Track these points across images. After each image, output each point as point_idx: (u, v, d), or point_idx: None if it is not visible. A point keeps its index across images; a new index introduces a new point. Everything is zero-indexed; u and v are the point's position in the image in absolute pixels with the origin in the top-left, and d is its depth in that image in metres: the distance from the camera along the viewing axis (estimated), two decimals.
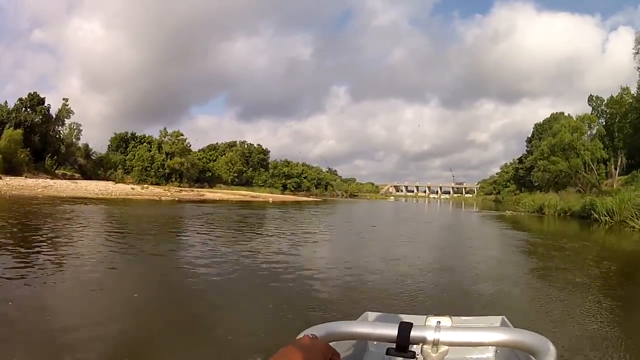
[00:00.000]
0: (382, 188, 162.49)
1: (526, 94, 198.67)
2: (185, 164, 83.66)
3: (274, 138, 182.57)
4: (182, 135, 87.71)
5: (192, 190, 63.02)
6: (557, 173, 55.34)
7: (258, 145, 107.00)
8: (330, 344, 0.98)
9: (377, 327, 1.14)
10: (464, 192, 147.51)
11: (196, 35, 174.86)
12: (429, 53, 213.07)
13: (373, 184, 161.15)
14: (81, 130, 73.69)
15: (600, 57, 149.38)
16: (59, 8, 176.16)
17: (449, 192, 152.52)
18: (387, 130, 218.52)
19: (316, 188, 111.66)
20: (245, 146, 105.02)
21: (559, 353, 0.92)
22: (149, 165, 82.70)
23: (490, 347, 1.83)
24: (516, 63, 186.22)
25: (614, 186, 52.43)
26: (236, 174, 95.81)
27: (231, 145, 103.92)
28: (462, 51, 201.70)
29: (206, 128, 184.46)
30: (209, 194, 57.74)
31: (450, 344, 1.07)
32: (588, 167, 54.54)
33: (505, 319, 2.03)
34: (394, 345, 1.07)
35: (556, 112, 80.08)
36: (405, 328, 1.06)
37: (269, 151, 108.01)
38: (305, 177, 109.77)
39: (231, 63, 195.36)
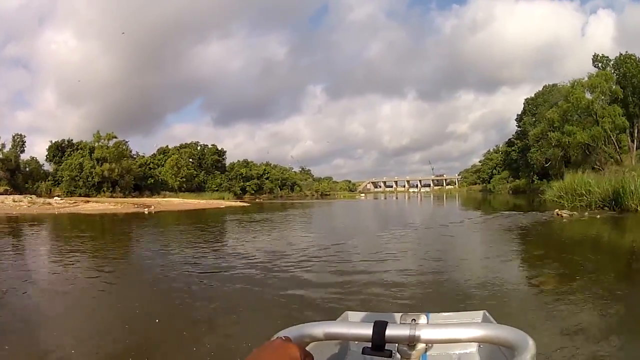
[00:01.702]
0: (360, 185, 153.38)
1: (505, 82, 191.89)
2: (116, 170, 68.70)
3: (251, 142, 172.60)
4: (116, 137, 73.89)
5: (81, 201, 47.43)
6: (574, 147, 40.57)
7: (212, 145, 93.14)
8: (311, 344, 0.99)
9: (351, 327, 1.10)
10: (444, 184, 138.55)
11: (168, 41, 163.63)
12: (407, 46, 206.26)
13: (350, 182, 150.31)
14: (25, 142, 68.75)
15: (580, 42, 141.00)
16: (30, 20, 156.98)
17: (429, 185, 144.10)
18: (366, 127, 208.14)
19: (281, 189, 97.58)
20: (198, 147, 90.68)
21: (538, 349, 0.92)
22: (78, 174, 69.00)
23: (471, 342, 1.63)
24: (495, 52, 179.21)
25: (632, 162, 38.75)
26: (184, 179, 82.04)
27: (183, 147, 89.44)
28: (440, 42, 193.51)
29: (183, 136, 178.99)
30: (95, 205, 41.85)
31: (427, 342, 1.04)
32: (608, 138, 40.21)
33: (487, 314, 1.93)
34: (369, 345, 1.04)
35: (549, 84, 67.30)
36: (380, 327, 1.03)
37: (225, 151, 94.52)
38: (267, 178, 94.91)
39: (205, 67, 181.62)
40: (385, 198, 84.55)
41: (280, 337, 0.97)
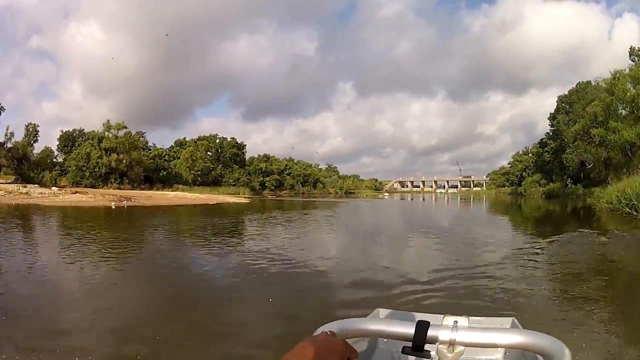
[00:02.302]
0: (386, 184, 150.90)
1: (533, 84, 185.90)
2: (124, 161, 66.73)
3: (280, 137, 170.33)
4: (126, 127, 71.50)
5: (71, 192, 45.57)
6: (619, 146, 36.44)
7: (232, 138, 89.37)
8: (350, 340, 0.97)
9: (393, 325, 1.08)
10: (471, 186, 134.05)
11: (197, 35, 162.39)
12: (435, 44, 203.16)
13: (376, 180, 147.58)
14: (38, 131, 66.79)
15: (606, 44, 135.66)
16: (55, 12, 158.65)
17: (456, 186, 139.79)
18: (394, 125, 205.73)
19: (303, 186, 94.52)
20: (217, 140, 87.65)
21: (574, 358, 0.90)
22: (85, 164, 67.05)
23: (499, 348, 1.74)
24: (523, 53, 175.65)
25: None
26: (199, 172, 78.63)
27: (201, 140, 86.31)
28: (468, 42, 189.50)
29: (211, 130, 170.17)
30: (76, 197, 39.50)
31: (467, 345, 1.02)
32: None
33: (516, 321, 1.94)
34: (409, 344, 1.03)
35: (582, 81, 62.74)
36: (423, 327, 1.02)
37: (245, 145, 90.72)
38: (288, 174, 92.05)
39: (234, 62, 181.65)
40: (412, 199, 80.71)
41: (325, 331, 0.96)
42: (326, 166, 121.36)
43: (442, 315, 1.06)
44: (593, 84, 52.75)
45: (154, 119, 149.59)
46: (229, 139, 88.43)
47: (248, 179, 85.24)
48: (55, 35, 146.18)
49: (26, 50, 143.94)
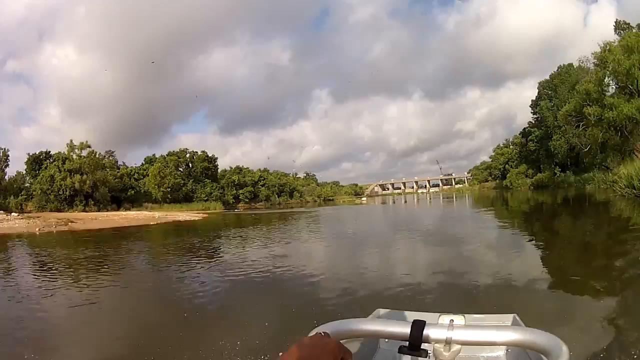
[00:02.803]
0: (367, 188, 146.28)
1: (510, 77, 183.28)
2: (88, 181, 61.38)
3: (259, 149, 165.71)
4: (90, 146, 66.22)
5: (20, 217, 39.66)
6: (618, 124, 32.31)
7: (202, 152, 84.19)
8: (346, 340, 0.97)
9: (389, 324, 1.08)
10: (453, 184, 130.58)
11: (171, 51, 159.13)
12: (410, 45, 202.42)
13: (356, 185, 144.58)
14: (8, 156, 64.86)
15: (582, 31, 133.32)
16: (30, 35, 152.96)
17: (437, 185, 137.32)
18: (372, 129, 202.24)
19: (279, 196, 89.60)
20: (187, 155, 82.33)
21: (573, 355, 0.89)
22: (49, 187, 61.57)
23: (501, 346, 1.71)
24: (499, 46, 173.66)
25: None
26: (169, 189, 73.71)
27: (170, 155, 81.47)
28: (443, 39, 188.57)
29: (190, 146, 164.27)
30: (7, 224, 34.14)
31: (463, 343, 1.02)
32: None
33: (517, 317, 1.90)
34: (406, 344, 1.02)
35: (564, 64, 59.06)
36: (418, 326, 1.01)
37: (216, 158, 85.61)
38: (263, 185, 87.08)
39: (209, 76, 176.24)
40: (394, 201, 76.69)
41: (319, 332, 0.95)
42: (305, 175, 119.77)
43: (439, 314, 1.09)
44: (576, 65, 48.94)
45: (132, 138, 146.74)
46: (199, 153, 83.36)
47: (221, 193, 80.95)
48: (31, 58, 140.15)
49: (2, 75, 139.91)
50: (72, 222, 35.15)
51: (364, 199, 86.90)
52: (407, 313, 1.85)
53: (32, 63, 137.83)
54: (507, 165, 73.96)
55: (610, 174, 30.80)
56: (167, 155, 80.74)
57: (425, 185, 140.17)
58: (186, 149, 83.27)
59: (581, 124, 37.85)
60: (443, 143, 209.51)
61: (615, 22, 41.68)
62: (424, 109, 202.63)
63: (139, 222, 36.42)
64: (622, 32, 39.57)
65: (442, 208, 39.08)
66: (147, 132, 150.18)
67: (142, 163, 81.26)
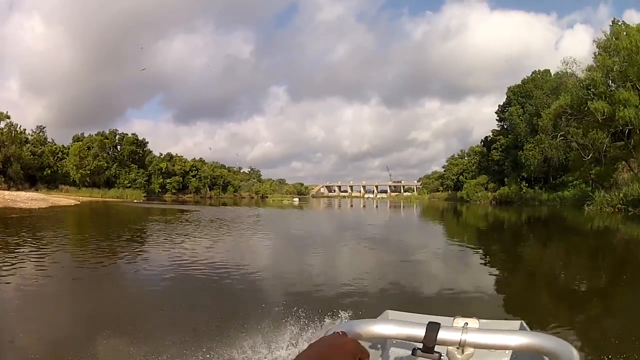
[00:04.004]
0: (313, 189, 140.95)
1: (472, 92, 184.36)
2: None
3: (211, 141, 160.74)
4: (9, 117, 59.05)
5: None
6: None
7: (132, 134, 73.80)
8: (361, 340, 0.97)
9: (404, 326, 1.05)
10: (402, 191, 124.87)
11: (132, 35, 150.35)
12: (373, 50, 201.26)
13: (302, 184, 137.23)
14: None
15: (552, 54, 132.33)
16: (1, 3, 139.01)
17: (386, 191, 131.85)
18: (326, 131, 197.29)
19: (211, 189, 78.99)
20: (116, 137, 71.43)
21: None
22: None
23: (507, 351, 1.72)
24: (463, 60, 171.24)
25: None
26: (90, 172, 64.75)
27: (100, 135, 70.48)
28: (407, 48, 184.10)
29: (143, 132, 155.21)
30: None
31: (476, 346, 1.00)
32: None
33: (524, 323, 1.90)
34: (420, 346, 1.00)
35: (538, 70, 53.09)
36: (433, 328, 0.99)
37: (147, 142, 75.73)
38: (194, 176, 76.16)
39: (167, 63, 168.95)
40: (340, 205, 68.94)
41: (337, 331, 0.93)
42: (249, 170, 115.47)
43: (453, 317, 1.06)
44: (556, 71, 41.69)
45: (87, 119, 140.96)
46: (129, 135, 72.80)
47: (146, 181, 70.75)
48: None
49: None
50: None
51: (296, 199, 76.63)
52: (417, 315, 1.84)
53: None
54: (461, 177, 66.31)
55: (616, 193, 22.67)
56: (97, 135, 70.11)
57: (373, 191, 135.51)
58: (116, 130, 72.89)
59: (571, 127, 29.66)
60: (396, 150, 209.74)
61: (613, 21, 33.95)
62: (380, 115, 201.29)
63: None
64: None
65: (389, 220, 30.16)
66: (102, 115, 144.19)
67: (71, 142, 70.24)
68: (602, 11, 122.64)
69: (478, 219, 27.71)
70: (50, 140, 68.38)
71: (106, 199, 55.33)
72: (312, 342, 0.82)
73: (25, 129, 63.95)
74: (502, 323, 1.96)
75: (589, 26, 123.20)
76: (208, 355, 3.99)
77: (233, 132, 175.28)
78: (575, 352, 0.88)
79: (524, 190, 44.35)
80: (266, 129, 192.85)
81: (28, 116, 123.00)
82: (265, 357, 4.00)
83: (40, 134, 67.44)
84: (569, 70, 35.47)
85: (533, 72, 52.19)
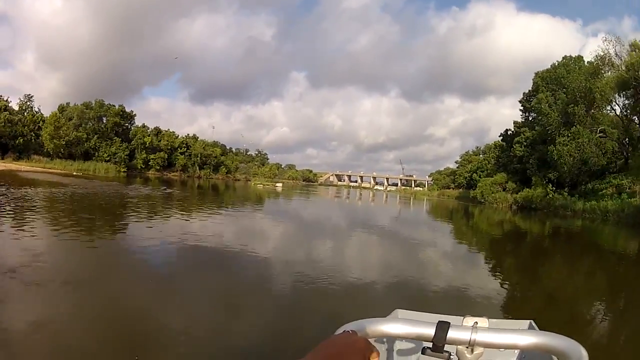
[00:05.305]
0: (322, 176, 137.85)
1: (492, 92, 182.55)
2: None
3: (227, 123, 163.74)
4: None
5: None
6: None
7: (119, 106, 65.87)
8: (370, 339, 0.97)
9: (413, 325, 1.03)
10: (413, 185, 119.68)
11: (154, 10, 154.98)
12: (397, 42, 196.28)
13: (310, 171, 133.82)
14: None
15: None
16: None
17: (396, 185, 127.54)
18: (343, 120, 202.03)
19: (201, 168, 71.51)
20: (103, 108, 63.89)
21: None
22: None
23: (516, 350, 1.68)
24: (487, 60, 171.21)
25: None
26: (65, 143, 58.49)
27: (85, 105, 63.32)
28: (431, 43, 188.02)
29: (158, 110, 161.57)
30: None
31: (486, 346, 0.99)
32: None
33: (533, 323, 1.85)
34: (429, 345, 0.99)
35: (570, 55, 43.48)
36: (443, 327, 0.98)
37: (134, 115, 67.83)
38: (182, 153, 68.70)
39: (188, 42, 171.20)
40: (349, 195, 63.46)
41: (347, 330, 0.91)
42: (256, 152, 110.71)
43: (462, 317, 1.03)
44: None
45: (102, 95, 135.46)
46: (116, 107, 65.06)
47: (128, 155, 63.47)
48: None
49: None
50: None
51: (279, 184, 67.75)
52: (427, 314, 1.81)
53: (17, 3, 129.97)
54: (474, 175, 57.20)
55: None
56: (82, 105, 63.09)
57: (383, 183, 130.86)
58: (102, 100, 64.98)
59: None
60: (411, 145, 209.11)
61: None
62: (399, 108, 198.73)
63: None
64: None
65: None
66: (119, 91, 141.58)
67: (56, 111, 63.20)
68: (626, 23, 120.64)
69: (498, 235, 19.52)
70: (37, 110, 62.30)
71: (50, 170, 48.22)
72: (322, 341, 0.78)
73: (7, 98, 58.68)
74: (512, 322, 1.92)
75: (612, 36, 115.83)
76: None
77: (250, 115, 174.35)
78: (584, 352, 0.87)
79: (550, 195, 35.39)
80: (284, 114, 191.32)
81: (43, 89, 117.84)
82: None
83: (28, 102, 61.85)
84: (611, 51, 30.32)
85: (564, 57, 42.95)
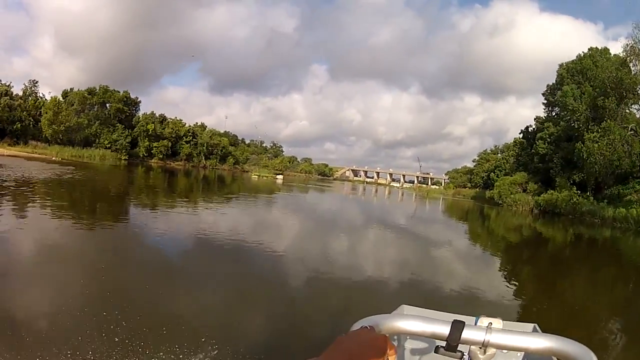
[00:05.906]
0: (338, 171, 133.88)
1: (512, 92, 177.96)
2: None
3: (246, 114, 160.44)
4: None
5: None
6: None
7: (124, 92, 63.65)
8: None
9: (430, 323, 1.02)
10: (429, 183, 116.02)
11: None
12: (418, 37, 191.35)
13: (326, 165, 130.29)
14: None
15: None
16: None
17: (412, 182, 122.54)
18: (363, 115, 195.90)
19: (207, 158, 68.78)
20: (106, 94, 61.64)
21: None
22: None
23: (519, 353, 1.62)
24: (508, 59, 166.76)
25: None
26: (64, 129, 56.52)
27: (89, 91, 61.33)
28: (453, 40, 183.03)
29: (177, 100, 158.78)
30: None
31: (499, 347, 0.98)
32: None
33: (537, 327, 1.82)
34: (443, 343, 0.98)
35: (596, 47, 40.44)
36: (458, 327, 0.96)
37: (139, 102, 65.61)
38: (188, 142, 66.07)
39: (208, 31, 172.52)
40: (364, 190, 62.30)
41: (364, 325, 0.91)
42: (271, 144, 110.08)
43: (476, 317, 1.02)
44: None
45: (121, 83, 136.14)
46: (121, 92, 62.75)
47: (130, 143, 61.05)
48: None
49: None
50: None
51: (279, 177, 64.58)
52: (433, 312, 1.77)
53: None
54: (492, 174, 52.85)
55: None
56: (86, 91, 61.14)
57: (400, 180, 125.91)
58: (107, 86, 62.66)
59: None
60: (429, 142, 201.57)
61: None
62: (419, 104, 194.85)
63: None
64: None
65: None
66: (137, 79, 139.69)
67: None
68: None
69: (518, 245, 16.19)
70: (42, 96, 61.04)
71: (33, 155, 46.30)
72: (339, 336, 0.76)
73: (10, 83, 57.56)
74: (517, 325, 1.77)
75: (632, 41, 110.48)
76: None
77: (269, 107, 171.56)
78: (594, 357, 0.86)
79: (575, 199, 31.17)
80: (303, 107, 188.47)
81: (61, 76, 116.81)
82: None
83: (33, 88, 60.75)
84: None
85: (590, 49, 38.74)
